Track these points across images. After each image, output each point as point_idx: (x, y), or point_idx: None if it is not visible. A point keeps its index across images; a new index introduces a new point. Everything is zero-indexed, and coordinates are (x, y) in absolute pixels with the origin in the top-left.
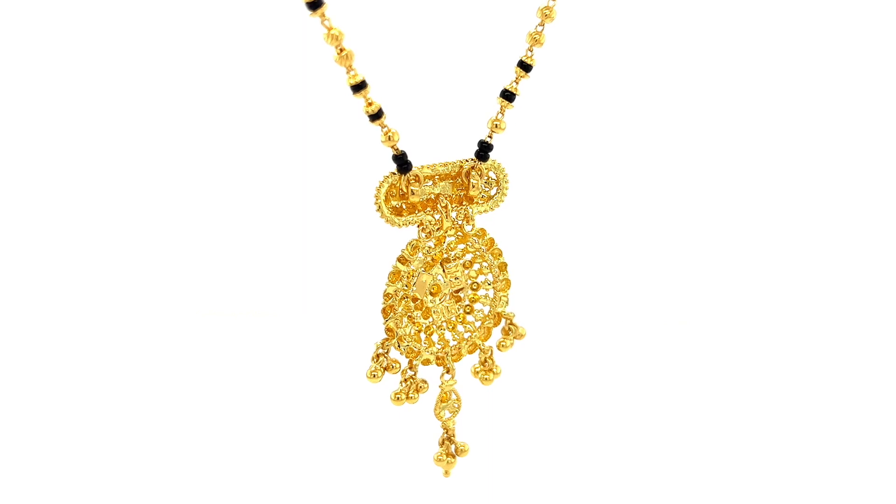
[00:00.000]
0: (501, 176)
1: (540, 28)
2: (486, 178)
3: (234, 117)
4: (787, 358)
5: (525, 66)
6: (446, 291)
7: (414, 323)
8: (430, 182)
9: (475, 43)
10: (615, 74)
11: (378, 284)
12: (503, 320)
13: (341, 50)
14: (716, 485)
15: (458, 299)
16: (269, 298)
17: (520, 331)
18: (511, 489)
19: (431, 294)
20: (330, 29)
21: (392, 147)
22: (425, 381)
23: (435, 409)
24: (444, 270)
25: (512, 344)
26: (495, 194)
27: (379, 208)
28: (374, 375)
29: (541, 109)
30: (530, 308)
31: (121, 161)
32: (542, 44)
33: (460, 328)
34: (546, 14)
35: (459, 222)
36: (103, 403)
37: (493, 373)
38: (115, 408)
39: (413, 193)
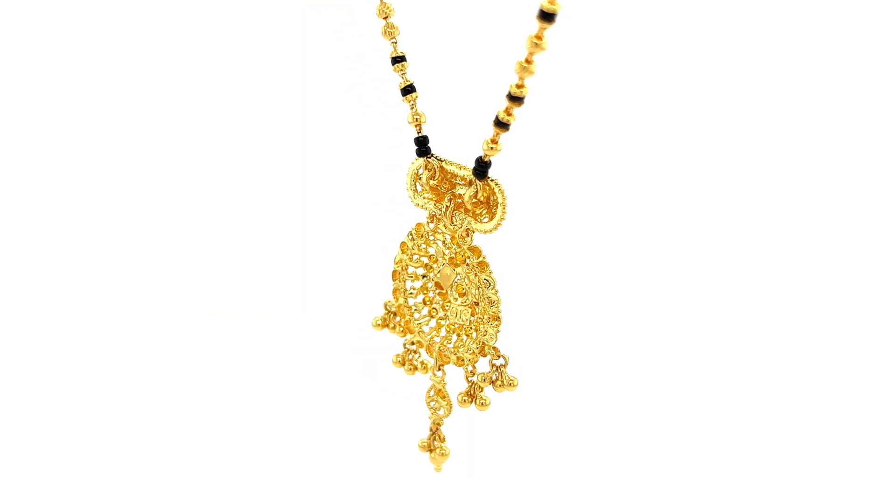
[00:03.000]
0: (501, 199)
1: (531, 58)
2: (481, 195)
3: (235, 118)
4: (788, 358)
5: (515, 98)
6: (470, 299)
7: (430, 307)
8: (463, 184)
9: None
10: (614, 79)
11: (377, 285)
12: (488, 355)
13: (389, 24)
14: (716, 485)
15: (474, 312)
16: (269, 298)
17: (508, 379)
18: (509, 490)
19: (459, 295)
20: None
21: (417, 128)
22: (426, 364)
23: (426, 397)
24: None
25: (497, 387)
26: (495, 217)
27: (410, 181)
28: (377, 323)
29: (537, 117)
30: (531, 307)
31: (122, 162)
32: (533, 73)
33: (465, 337)
34: (536, 44)
35: (461, 233)
36: (104, 402)
37: (478, 402)
38: (116, 407)
39: (420, 177)
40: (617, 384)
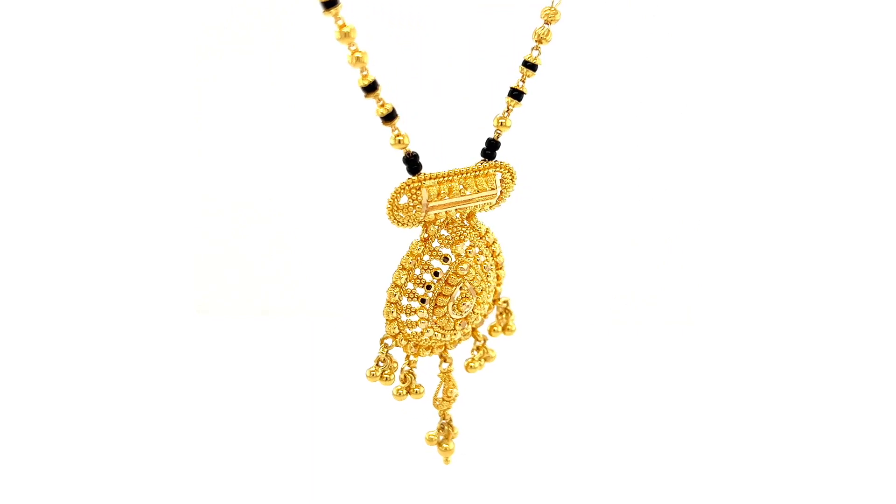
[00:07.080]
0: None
1: (364, 69)
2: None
3: (236, 117)
4: (786, 358)
5: (386, 118)
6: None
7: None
8: None
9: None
10: (622, 76)
11: (378, 284)
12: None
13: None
14: (714, 485)
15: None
16: (270, 298)
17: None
18: (511, 489)
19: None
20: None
21: (498, 130)
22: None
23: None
24: None
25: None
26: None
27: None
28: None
29: (544, 109)
30: (531, 307)
31: (123, 162)
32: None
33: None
34: (358, 59)
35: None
36: (103, 403)
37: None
38: (115, 407)
39: None
40: (615, 384)
